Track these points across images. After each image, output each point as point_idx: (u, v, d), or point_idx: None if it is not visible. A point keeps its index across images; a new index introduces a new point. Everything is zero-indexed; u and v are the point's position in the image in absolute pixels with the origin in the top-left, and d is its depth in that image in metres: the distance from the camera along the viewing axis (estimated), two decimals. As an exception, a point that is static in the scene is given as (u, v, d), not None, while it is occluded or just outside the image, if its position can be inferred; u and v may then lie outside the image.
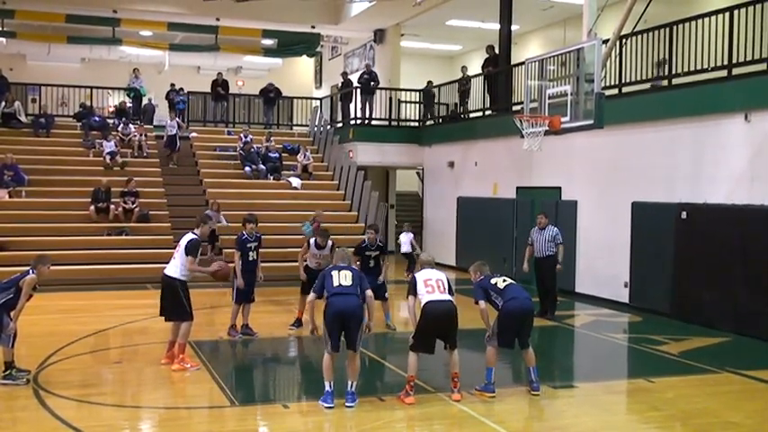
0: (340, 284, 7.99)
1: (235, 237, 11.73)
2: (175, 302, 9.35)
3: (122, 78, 27.16)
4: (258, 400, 8.57)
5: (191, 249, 9.30)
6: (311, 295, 8.25)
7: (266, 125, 25.54)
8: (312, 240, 11.89)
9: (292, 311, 12.75)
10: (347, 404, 7.84)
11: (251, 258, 11.16)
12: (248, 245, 11.15)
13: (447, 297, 8.16)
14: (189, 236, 9.48)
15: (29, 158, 20.07)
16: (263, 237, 11.68)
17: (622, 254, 14.60)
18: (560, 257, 13.27)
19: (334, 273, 8.12)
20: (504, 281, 8.57)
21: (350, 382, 7.96)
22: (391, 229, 24.05)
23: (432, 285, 8.20)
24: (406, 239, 18.38)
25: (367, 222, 19.98)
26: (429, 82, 23.77)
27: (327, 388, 7.85)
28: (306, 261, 12.00)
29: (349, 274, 8.11)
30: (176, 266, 9.34)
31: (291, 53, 28.87)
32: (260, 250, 11.38)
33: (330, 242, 11.80)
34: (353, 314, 7.87)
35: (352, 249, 12.01)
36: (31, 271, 8.56)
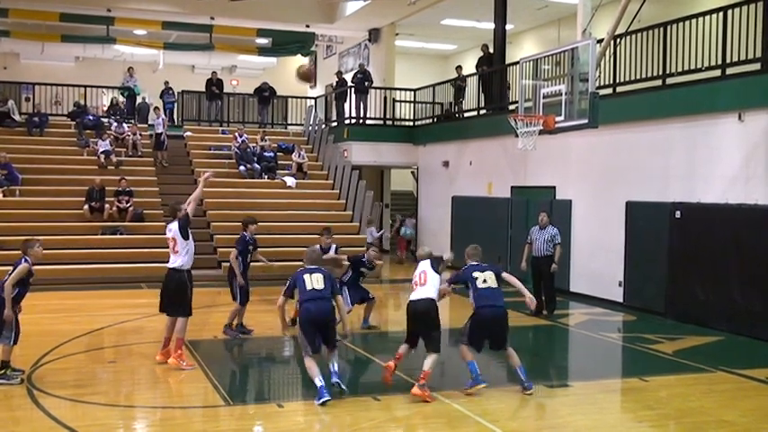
0: (313, 288, 8.11)
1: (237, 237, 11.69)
2: (180, 296, 9.33)
3: (117, 77, 27.14)
4: (253, 400, 8.57)
5: (183, 229, 9.30)
6: (281, 299, 8.36)
7: (261, 124, 25.52)
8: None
9: (287, 311, 12.73)
10: (333, 379, 7.95)
11: (249, 260, 11.33)
12: (249, 246, 11.33)
13: (425, 295, 8.27)
14: (173, 223, 9.45)
15: (23, 157, 20.01)
16: (258, 236, 11.78)
17: (617, 253, 14.62)
18: (557, 258, 13.33)
19: (306, 276, 8.22)
20: (485, 281, 8.50)
21: (331, 365, 8.09)
22: (387, 229, 24.10)
23: (416, 282, 8.37)
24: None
25: (362, 222, 20.03)
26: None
27: (318, 383, 7.87)
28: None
29: (320, 277, 8.22)
30: (179, 256, 9.31)
31: (286, 52, 28.84)
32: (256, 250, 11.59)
33: (333, 245, 11.77)
34: (327, 318, 8.08)
35: (349, 257, 12.02)
36: (23, 260, 8.56)
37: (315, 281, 8.15)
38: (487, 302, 8.42)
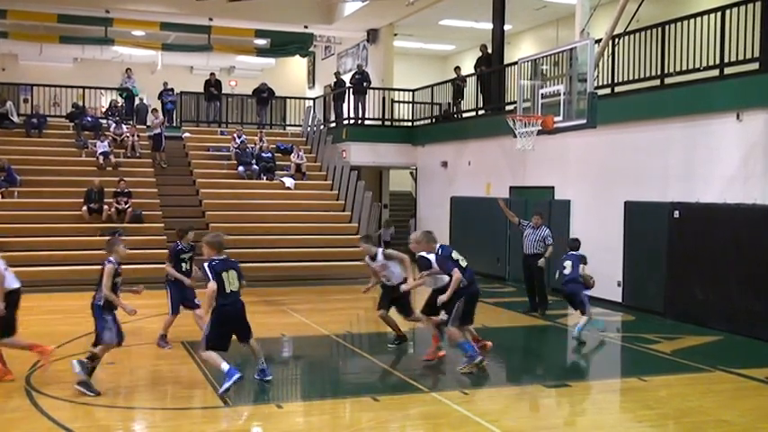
0: (231, 291, 8.28)
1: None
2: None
3: (115, 78, 27.13)
4: (252, 401, 8.56)
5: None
6: (211, 285, 8.17)
7: (259, 125, 25.52)
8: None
9: (285, 312, 12.75)
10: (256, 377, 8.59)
11: (184, 269, 10.88)
12: (182, 255, 10.90)
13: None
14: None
15: (21, 159, 19.97)
16: (249, 236, 11.67)
17: (615, 253, 14.62)
18: (548, 254, 13.43)
19: (225, 275, 8.25)
20: (464, 259, 9.26)
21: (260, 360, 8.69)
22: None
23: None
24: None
25: (360, 222, 20.02)
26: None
27: (225, 368, 8.08)
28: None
29: (235, 274, 8.37)
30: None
31: (284, 53, 28.86)
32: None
33: (380, 253, 10.65)
34: (242, 319, 8.52)
35: None
36: (107, 261, 8.56)
37: (231, 281, 8.32)
38: (472, 279, 9.19)
